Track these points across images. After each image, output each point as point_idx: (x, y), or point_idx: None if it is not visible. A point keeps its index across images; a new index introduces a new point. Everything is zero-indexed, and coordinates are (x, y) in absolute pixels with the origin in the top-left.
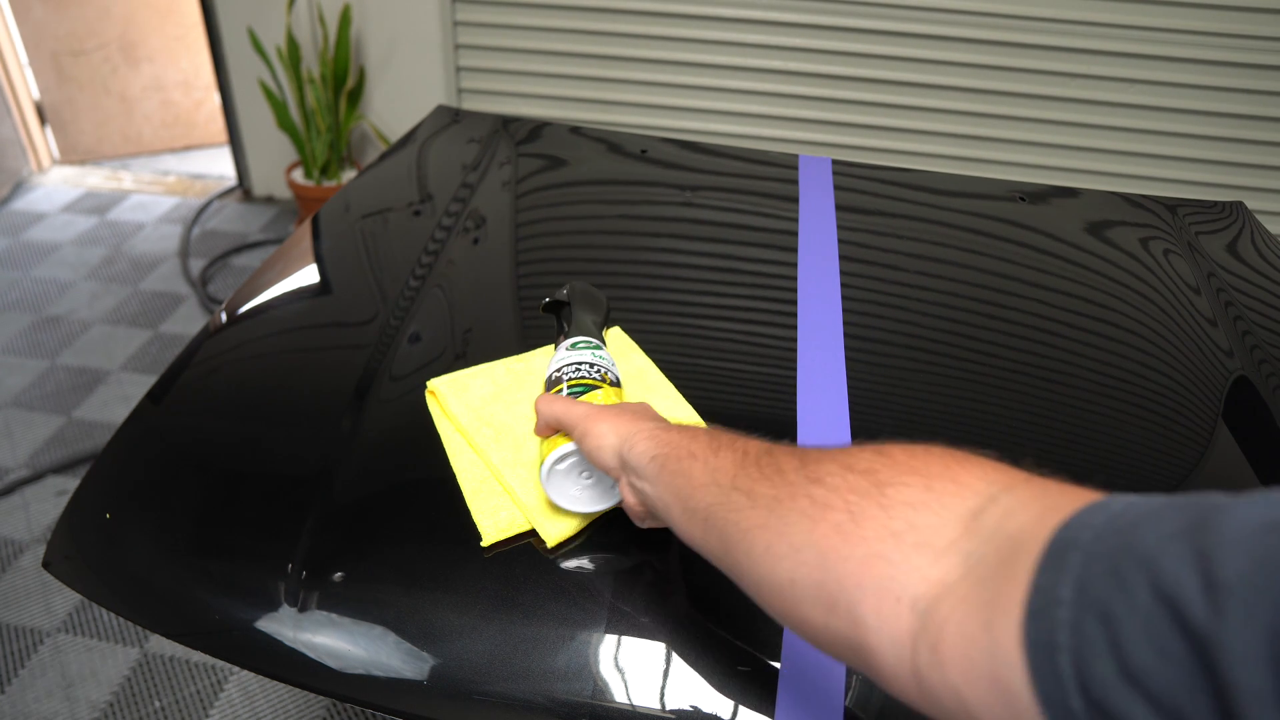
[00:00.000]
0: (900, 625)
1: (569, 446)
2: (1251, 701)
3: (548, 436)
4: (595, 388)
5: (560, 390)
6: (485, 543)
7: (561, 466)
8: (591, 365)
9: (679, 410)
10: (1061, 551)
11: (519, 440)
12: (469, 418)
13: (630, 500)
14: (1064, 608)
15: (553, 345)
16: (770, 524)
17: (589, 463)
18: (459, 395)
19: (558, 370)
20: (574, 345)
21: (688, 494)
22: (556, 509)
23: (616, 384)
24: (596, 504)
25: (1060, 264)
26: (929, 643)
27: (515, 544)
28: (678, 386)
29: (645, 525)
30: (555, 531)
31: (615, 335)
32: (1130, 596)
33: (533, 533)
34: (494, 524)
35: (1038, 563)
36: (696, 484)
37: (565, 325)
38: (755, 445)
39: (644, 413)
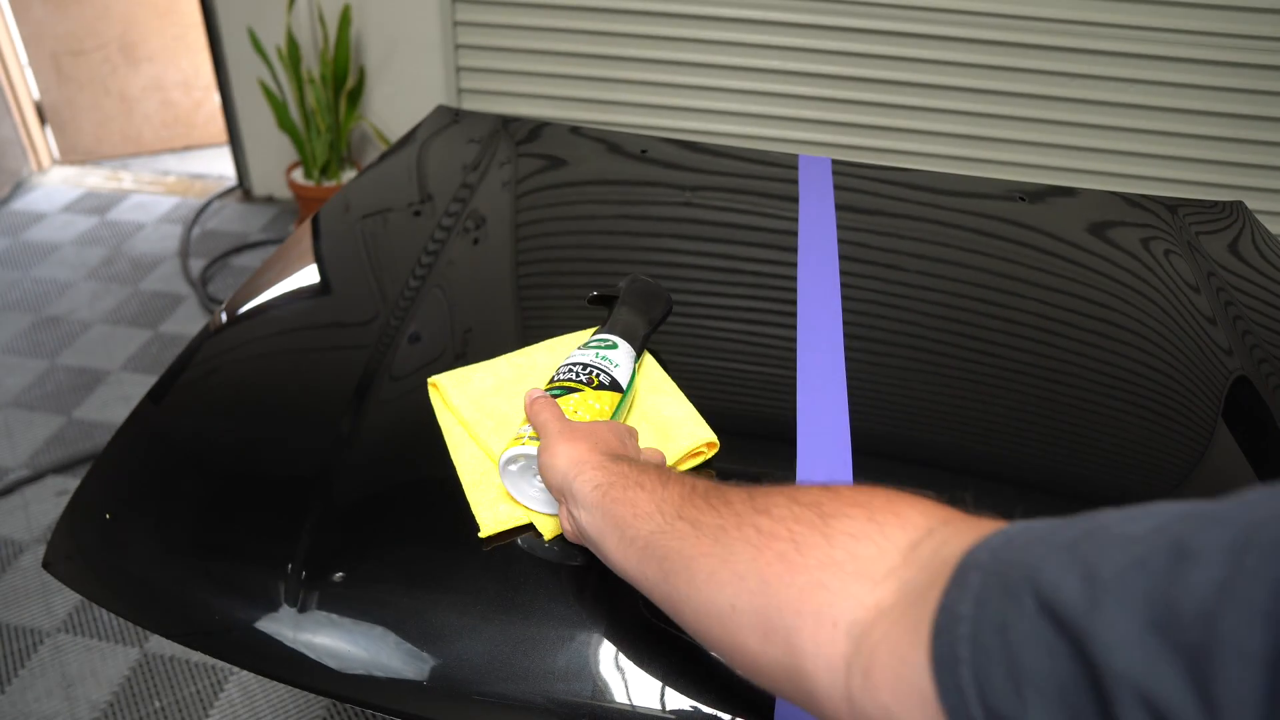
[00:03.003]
0: (835, 650)
1: (520, 449)
2: (1120, 684)
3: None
4: (574, 390)
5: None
6: (483, 534)
7: (513, 468)
8: (585, 367)
9: (685, 415)
10: (965, 572)
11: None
12: (471, 410)
13: (566, 527)
14: (964, 623)
15: (555, 339)
16: (715, 551)
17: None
18: (461, 388)
19: (562, 365)
20: (587, 344)
21: (628, 522)
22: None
23: (612, 387)
24: (550, 507)
25: (1060, 264)
26: (862, 666)
27: (514, 541)
28: (678, 386)
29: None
30: (552, 524)
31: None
32: (1019, 605)
33: (531, 525)
34: (493, 516)
35: (945, 584)
36: (640, 512)
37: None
38: (705, 482)
39: (608, 441)
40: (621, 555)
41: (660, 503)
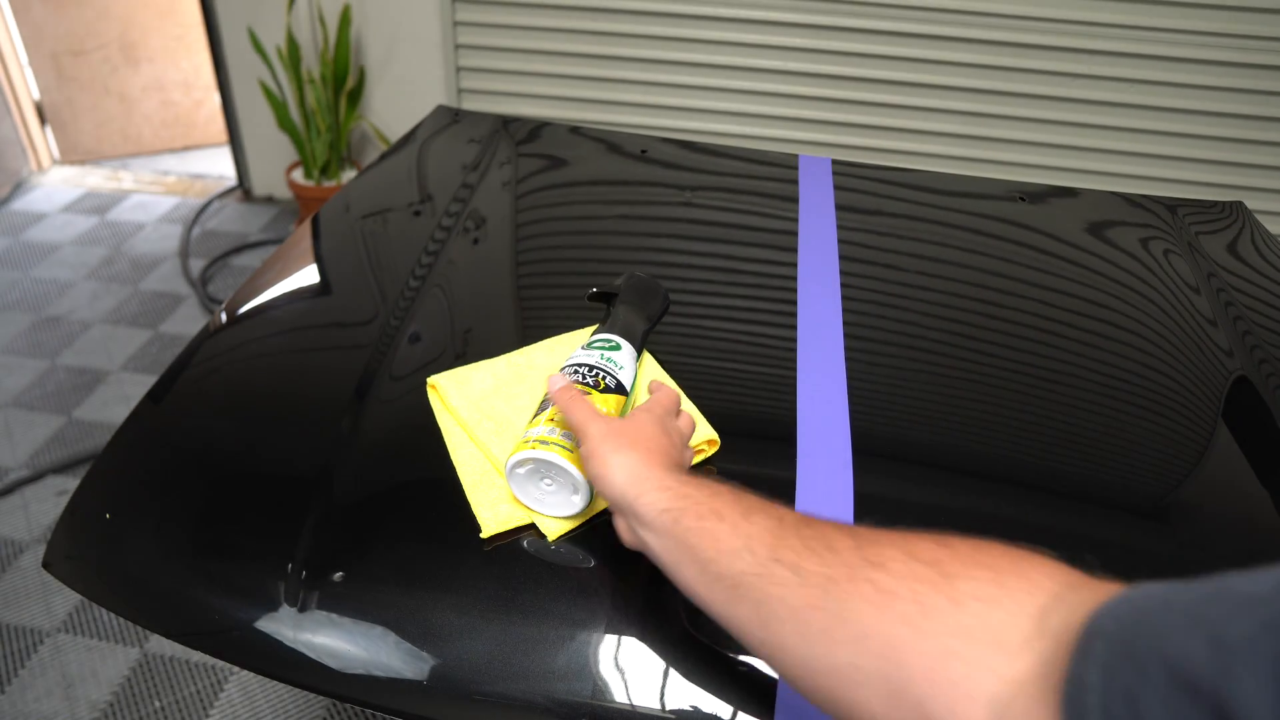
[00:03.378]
0: None
1: (529, 454)
2: None
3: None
4: (583, 394)
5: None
6: (485, 534)
7: (521, 471)
8: (591, 369)
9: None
10: (1090, 639)
11: (520, 433)
12: (470, 411)
13: (627, 539)
14: (1093, 693)
15: (554, 339)
16: (826, 605)
17: (548, 472)
18: (460, 388)
19: (566, 366)
20: (590, 344)
21: (711, 557)
22: None
23: (618, 390)
24: (558, 509)
25: (1060, 264)
26: None
27: (515, 542)
28: (678, 386)
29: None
30: (555, 525)
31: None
32: (1147, 674)
33: (532, 525)
34: (494, 516)
35: (1071, 653)
36: (725, 548)
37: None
38: (791, 514)
39: (660, 444)
40: (705, 590)
41: (748, 539)
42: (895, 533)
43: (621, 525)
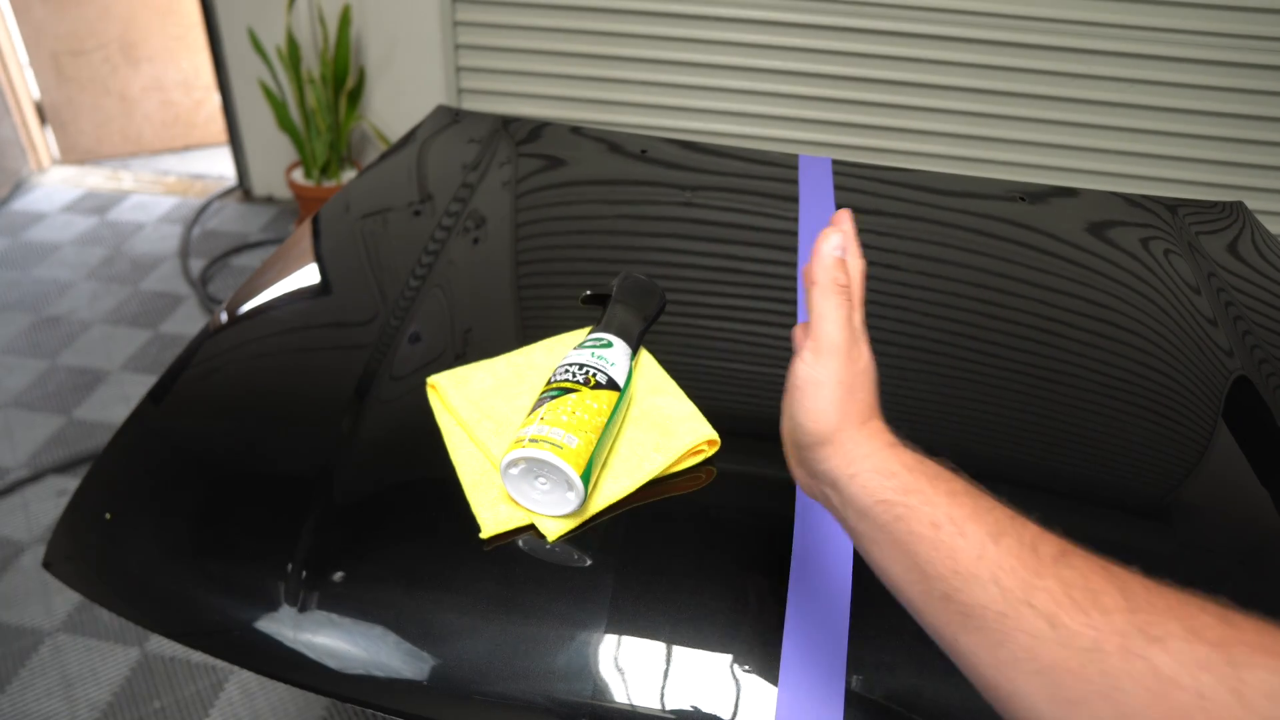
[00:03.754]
0: None
1: (521, 452)
2: None
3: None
4: (572, 390)
5: (542, 394)
6: (484, 534)
7: (514, 470)
8: (581, 367)
9: (686, 413)
10: None
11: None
12: (469, 411)
13: (802, 479)
14: None
15: (553, 338)
16: (1088, 676)
17: (542, 471)
18: (460, 388)
19: (559, 366)
20: (583, 343)
21: (941, 575)
22: None
23: (609, 386)
24: (554, 508)
25: (1060, 264)
26: None
27: (515, 542)
28: (678, 386)
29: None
30: (554, 525)
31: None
32: None
33: (532, 526)
34: (493, 516)
35: None
36: (963, 571)
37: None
38: (1042, 537)
39: (873, 402)
40: (921, 601)
41: (995, 569)
42: (1170, 593)
43: (800, 473)
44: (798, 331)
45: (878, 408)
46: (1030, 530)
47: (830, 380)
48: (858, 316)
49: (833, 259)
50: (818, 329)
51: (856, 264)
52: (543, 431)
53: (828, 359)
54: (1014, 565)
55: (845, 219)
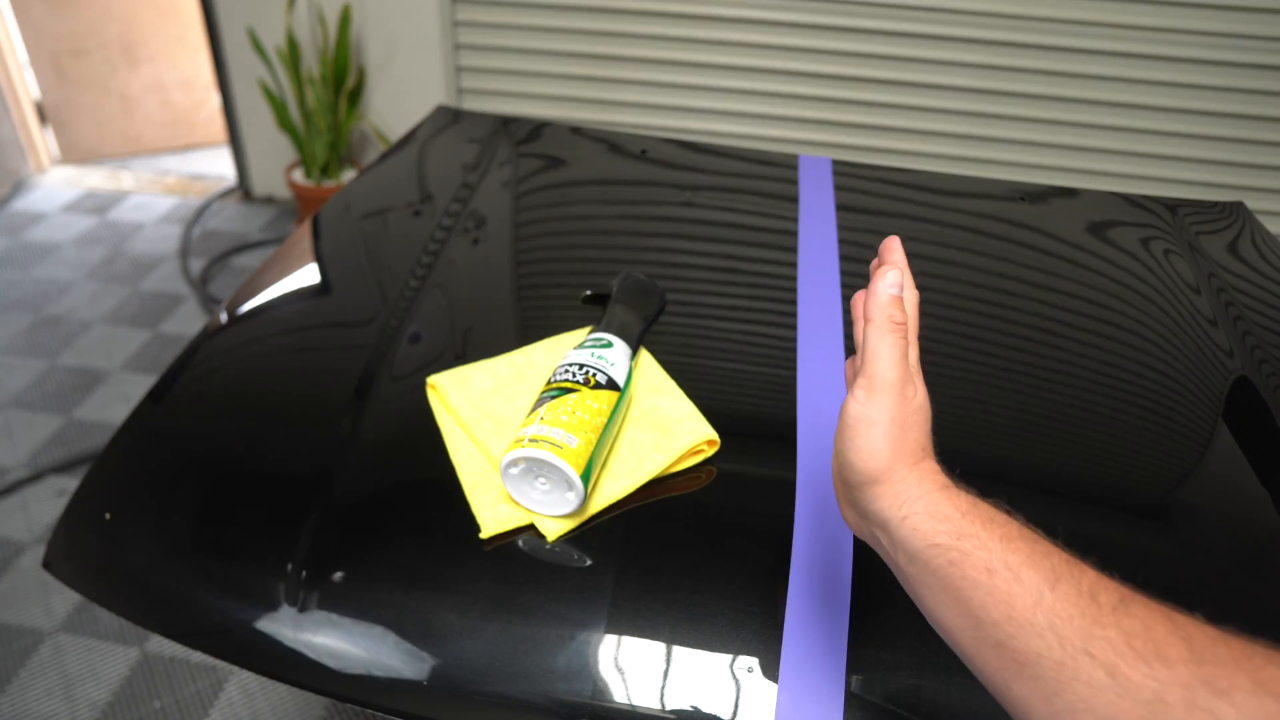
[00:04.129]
0: None
1: (521, 452)
2: None
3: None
4: (572, 390)
5: (542, 394)
6: (484, 534)
7: (514, 470)
8: (581, 367)
9: (686, 413)
10: None
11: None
12: (469, 411)
13: (856, 531)
14: None
15: (553, 338)
16: None
17: (542, 471)
18: (460, 388)
19: (559, 366)
20: (583, 344)
21: (995, 621)
22: None
23: (609, 386)
24: (554, 508)
25: (1060, 264)
26: None
27: (515, 542)
28: (678, 385)
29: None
30: (554, 525)
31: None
32: None
33: (532, 526)
34: (493, 516)
35: None
36: (1019, 619)
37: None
38: (1100, 583)
39: (924, 442)
40: (973, 648)
41: (1052, 617)
42: (1235, 643)
43: (849, 513)
44: (849, 368)
45: (931, 447)
46: (1089, 576)
47: (883, 419)
48: (913, 354)
49: (889, 297)
50: (871, 367)
51: (912, 296)
52: (543, 431)
53: (880, 397)
54: (1072, 613)
55: (895, 250)
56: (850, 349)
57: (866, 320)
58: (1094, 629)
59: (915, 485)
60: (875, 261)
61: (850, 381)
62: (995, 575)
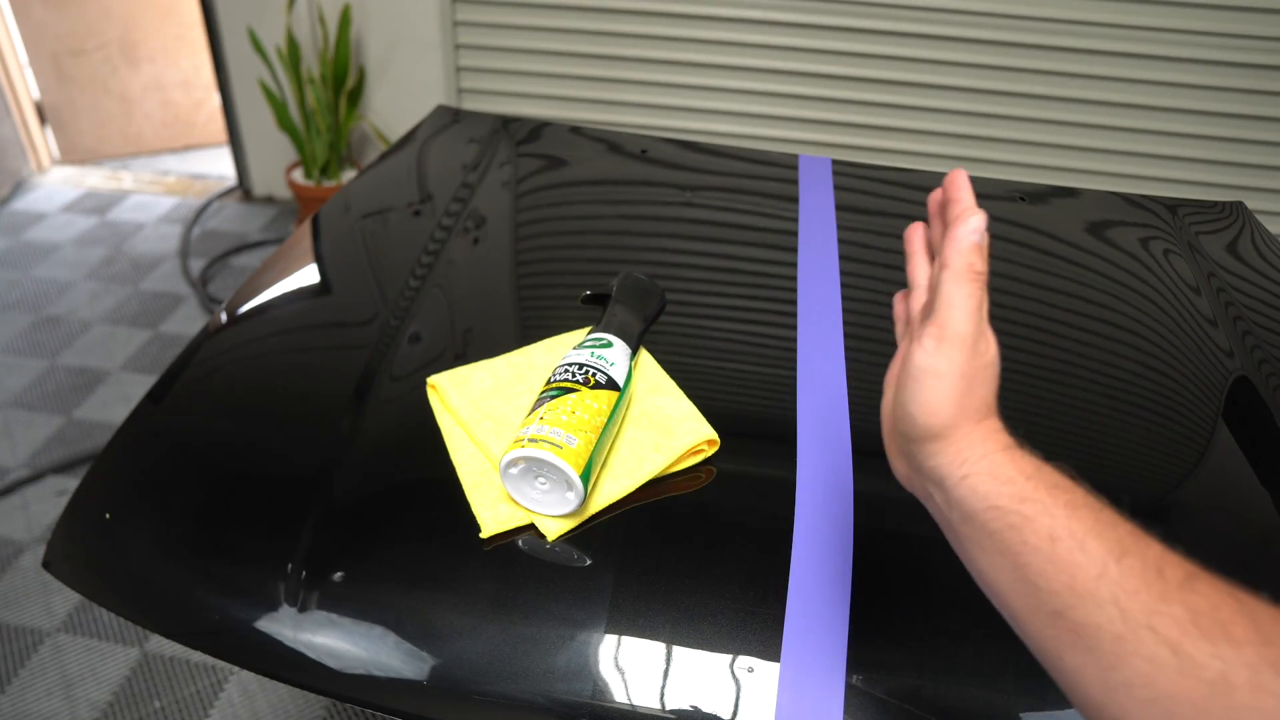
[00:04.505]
0: None
1: (521, 452)
2: None
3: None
4: (572, 390)
5: (542, 394)
6: (484, 534)
7: (514, 470)
8: (581, 366)
9: (686, 413)
10: None
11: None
12: (469, 411)
13: (903, 479)
14: None
15: (553, 338)
16: (1212, 710)
17: (542, 470)
18: (460, 389)
19: (558, 366)
20: (582, 343)
21: (1055, 590)
22: None
23: (609, 386)
24: (554, 508)
25: (1060, 264)
26: None
27: (515, 542)
28: (678, 385)
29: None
30: (554, 525)
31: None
32: None
33: (532, 525)
34: (493, 516)
35: None
36: (1080, 589)
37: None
38: (1167, 558)
39: (993, 408)
40: (1026, 614)
41: (1116, 589)
42: None
43: (900, 465)
44: (902, 305)
45: (995, 406)
46: (1154, 550)
47: (951, 372)
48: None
49: (970, 243)
50: (945, 316)
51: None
52: (542, 431)
53: (951, 349)
54: (1137, 587)
55: (964, 187)
56: (850, 348)
57: (943, 265)
58: (1159, 604)
59: (978, 444)
60: (937, 195)
61: (902, 322)
62: (1058, 543)
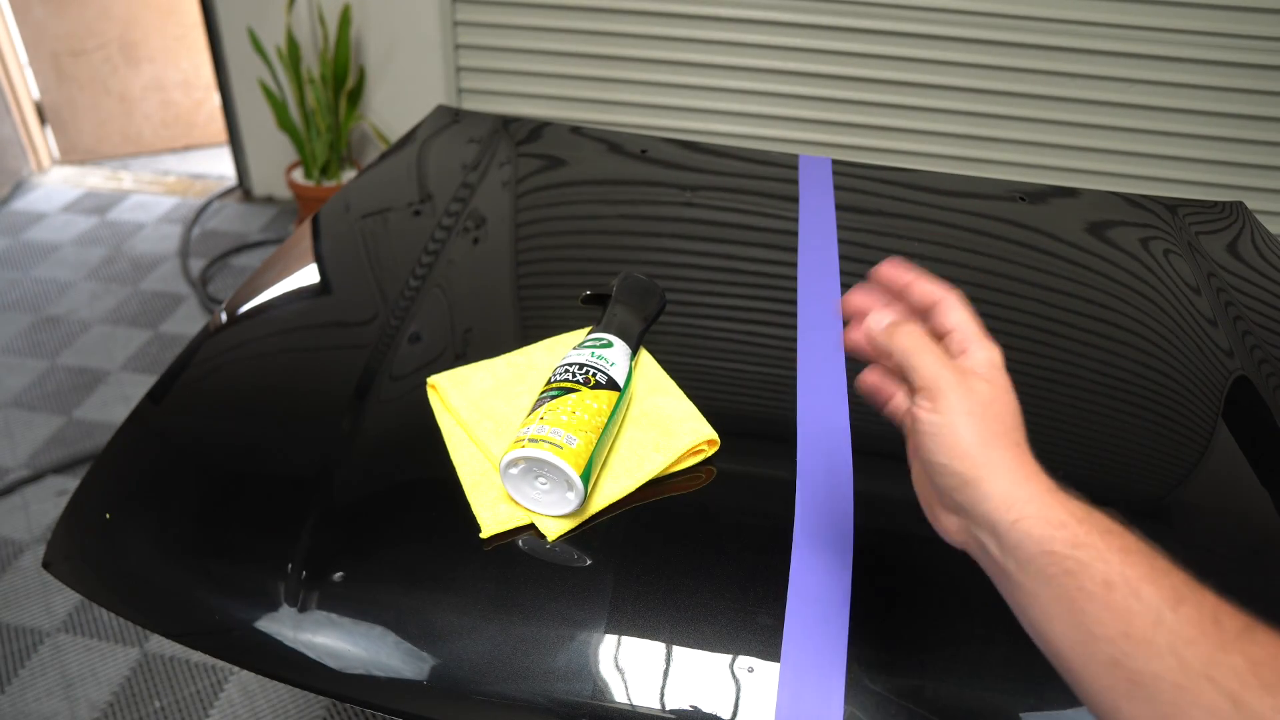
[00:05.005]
0: None
1: (521, 452)
2: None
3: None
4: (572, 390)
5: (542, 394)
6: (484, 534)
7: (514, 470)
8: (581, 366)
9: (686, 413)
10: None
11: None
12: (469, 411)
13: (952, 535)
14: None
15: (553, 338)
16: None
17: (542, 471)
18: (460, 389)
19: (558, 366)
20: (583, 343)
21: (1110, 638)
22: None
23: (609, 386)
24: (554, 508)
25: (1060, 264)
26: None
27: (515, 542)
28: (678, 385)
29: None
30: (554, 525)
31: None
32: None
33: (532, 525)
34: (493, 516)
35: None
36: (1137, 637)
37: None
38: (1223, 609)
39: (1019, 435)
40: (1081, 664)
41: (1174, 638)
42: None
43: (950, 522)
44: (875, 382)
45: (1024, 441)
46: (1210, 599)
47: (957, 415)
48: (997, 354)
49: (883, 327)
50: (919, 378)
51: (953, 296)
52: (543, 431)
53: (945, 398)
54: (1195, 636)
55: (887, 275)
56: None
57: (885, 356)
58: (1218, 654)
59: (1023, 485)
60: (866, 318)
61: (883, 400)
62: (1114, 590)
